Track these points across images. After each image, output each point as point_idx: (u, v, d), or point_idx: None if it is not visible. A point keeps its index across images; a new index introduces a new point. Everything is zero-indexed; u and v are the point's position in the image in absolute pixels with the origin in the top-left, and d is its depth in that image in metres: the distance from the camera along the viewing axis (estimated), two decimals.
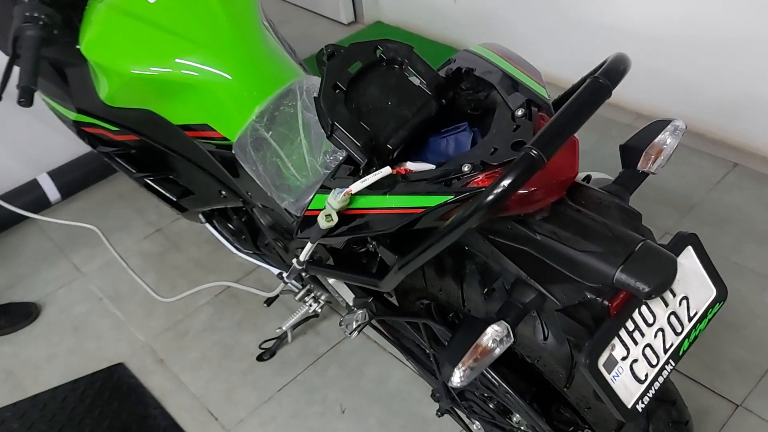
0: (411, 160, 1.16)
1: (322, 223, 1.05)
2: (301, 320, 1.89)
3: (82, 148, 2.63)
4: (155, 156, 1.75)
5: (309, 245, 1.13)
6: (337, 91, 1.12)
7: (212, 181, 1.66)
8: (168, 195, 1.82)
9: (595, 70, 0.94)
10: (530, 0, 2.74)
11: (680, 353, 1.04)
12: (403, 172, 1.07)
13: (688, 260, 1.03)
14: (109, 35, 1.50)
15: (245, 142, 1.45)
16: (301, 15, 3.66)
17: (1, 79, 1.48)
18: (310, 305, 1.80)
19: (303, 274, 1.72)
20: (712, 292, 1.06)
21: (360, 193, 1.05)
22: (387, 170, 1.03)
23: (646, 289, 0.90)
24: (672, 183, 2.35)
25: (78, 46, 1.57)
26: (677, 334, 1.04)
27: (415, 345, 1.57)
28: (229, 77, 1.46)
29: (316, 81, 1.49)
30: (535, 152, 0.82)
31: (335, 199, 1.04)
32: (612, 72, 0.89)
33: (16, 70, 1.43)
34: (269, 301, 1.95)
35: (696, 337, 1.06)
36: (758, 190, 2.28)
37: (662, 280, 0.92)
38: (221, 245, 1.97)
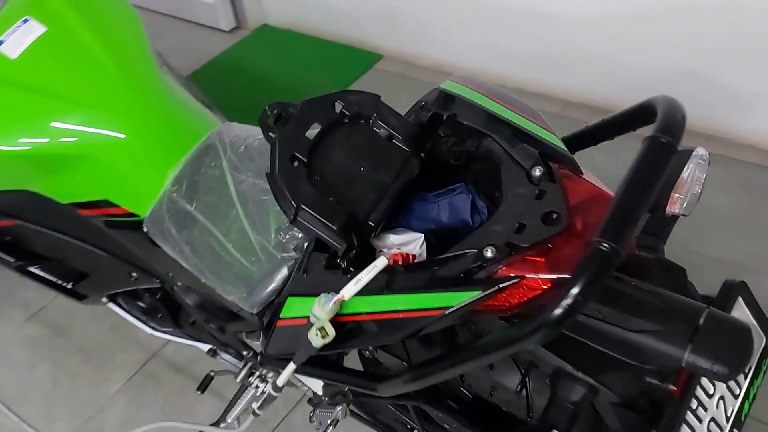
0: (390, 229, 0.99)
1: (316, 340, 0.86)
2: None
3: None
4: (39, 241, 1.48)
5: (291, 367, 0.93)
6: (296, 164, 0.93)
7: (118, 263, 1.41)
8: (60, 283, 1.54)
9: (630, 115, 0.80)
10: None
11: (742, 418, 0.95)
12: (401, 261, 0.89)
13: (738, 312, 0.93)
14: None
15: (160, 218, 1.22)
16: (176, 25, 3.34)
17: None
18: (257, 386, 1.58)
19: (244, 353, 1.52)
20: (763, 340, 0.97)
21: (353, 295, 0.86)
22: (383, 262, 0.85)
23: (726, 372, 0.78)
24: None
25: None
26: (735, 397, 0.94)
27: (395, 421, 1.41)
28: (123, 137, 1.23)
29: (238, 129, 1.28)
30: (607, 245, 0.67)
31: (323, 309, 0.84)
32: (671, 125, 0.75)
33: None
34: (203, 386, 1.72)
35: (755, 396, 0.96)
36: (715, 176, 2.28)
37: (741, 359, 0.80)
38: (124, 321, 1.71)
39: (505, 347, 0.73)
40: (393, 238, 0.97)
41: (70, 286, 1.53)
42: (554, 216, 0.80)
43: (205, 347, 1.66)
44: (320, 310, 0.84)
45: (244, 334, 1.39)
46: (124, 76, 1.27)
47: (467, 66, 2.63)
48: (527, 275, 0.79)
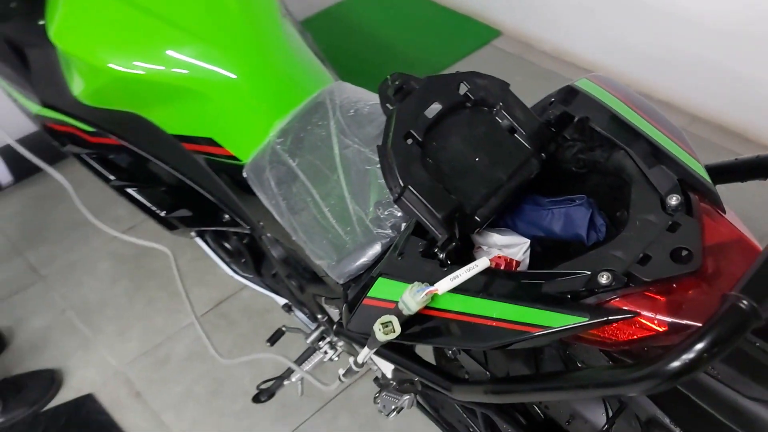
0: (496, 228, 0.93)
1: (380, 334, 0.81)
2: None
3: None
4: (140, 164, 1.49)
5: (366, 350, 0.89)
6: (410, 141, 0.87)
7: (213, 203, 1.41)
8: (154, 209, 1.56)
9: None
10: None
11: None
12: (503, 265, 0.83)
13: None
14: (83, 18, 1.23)
15: (262, 166, 1.20)
16: None
17: None
18: (325, 352, 1.56)
19: (318, 316, 1.50)
20: None
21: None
22: (485, 263, 0.79)
23: None
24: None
25: (42, 22, 1.30)
26: None
27: (458, 421, 1.36)
28: (235, 78, 1.21)
29: (350, 90, 1.24)
30: (746, 303, 0.59)
31: (413, 299, 0.80)
32: None
33: None
34: (273, 339, 1.72)
35: None
36: None
37: None
38: (205, 254, 1.73)
39: (605, 388, 0.67)
40: (496, 238, 0.91)
41: (163, 214, 1.54)
42: (685, 254, 0.72)
43: (281, 301, 1.66)
44: (411, 298, 0.79)
45: (323, 298, 1.36)
46: (245, 16, 1.24)
47: (589, 58, 2.49)
48: (643, 312, 0.72)
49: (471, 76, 0.91)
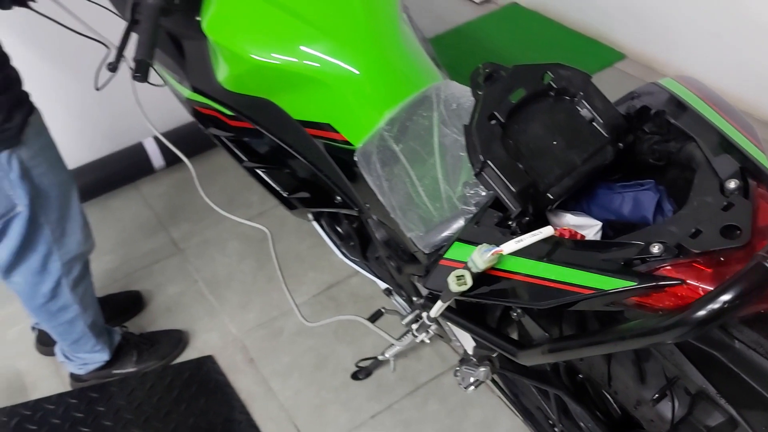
0: (570, 210, 1.00)
1: (453, 285, 0.91)
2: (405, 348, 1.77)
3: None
4: (269, 148, 1.67)
5: (440, 303, 0.99)
6: (493, 122, 0.97)
7: (328, 184, 1.55)
8: (278, 189, 1.73)
9: None
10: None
11: None
12: (567, 236, 0.90)
13: None
14: (232, 14, 1.41)
15: (370, 151, 1.33)
16: None
17: (118, 46, 1.42)
18: (416, 333, 1.66)
19: (414, 299, 1.60)
20: None
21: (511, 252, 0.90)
22: (549, 231, 0.87)
23: None
24: None
25: (198, 19, 1.50)
26: None
27: (536, 408, 1.42)
28: (358, 73, 1.34)
29: (456, 88, 1.34)
30: None
31: (481, 258, 0.89)
32: None
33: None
34: (373, 318, 1.85)
35: None
36: None
37: None
38: (323, 242, 1.88)
39: (641, 337, 0.73)
40: (569, 218, 0.99)
41: (285, 194, 1.71)
42: (735, 231, 0.77)
43: (383, 286, 1.78)
44: (479, 257, 0.89)
45: (416, 277, 1.47)
46: (370, 19, 1.37)
47: (713, 83, 2.44)
48: (688, 281, 0.77)
49: (555, 67, 0.99)
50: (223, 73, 1.49)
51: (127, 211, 2.55)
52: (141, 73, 1.35)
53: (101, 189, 2.60)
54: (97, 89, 1.72)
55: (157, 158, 2.61)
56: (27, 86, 1.57)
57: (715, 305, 0.65)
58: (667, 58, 2.63)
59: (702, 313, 0.66)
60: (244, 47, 1.39)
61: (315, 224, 1.87)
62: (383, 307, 1.74)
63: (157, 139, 2.60)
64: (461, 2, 3.33)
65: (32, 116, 1.54)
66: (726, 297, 0.65)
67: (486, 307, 1.23)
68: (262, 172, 1.73)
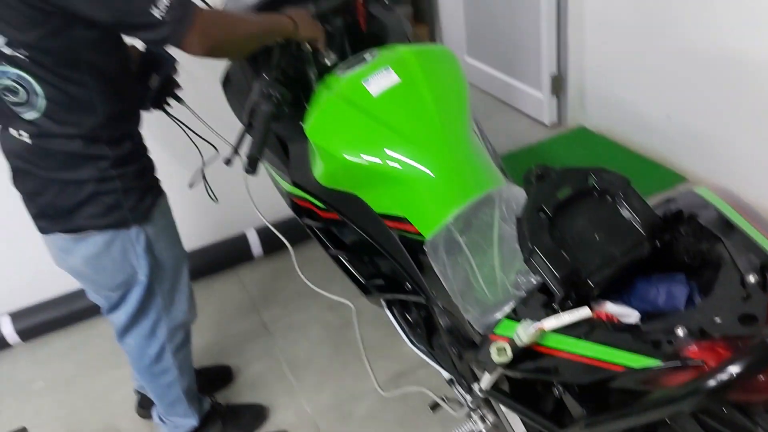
0: (612, 301, 1.04)
1: (495, 356, 0.96)
2: None
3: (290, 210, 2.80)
4: (352, 237, 1.78)
5: (487, 375, 1.04)
6: (542, 215, 1.04)
7: (400, 272, 1.64)
8: (357, 275, 1.83)
9: None
10: (762, 121, 2.45)
11: None
12: (604, 317, 0.95)
13: None
14: (331, 120, 1.56)
15: (438, 242, 1.41)
16: (503, 110, 3.63)
17: (234, 145, 1.59)
18: (473, 425, 1.67)
19: (473, 386, 1.62)
20: None
21: (553, 330, 0.94)
22: (586, 312, 0.92)
23: None
24: None
25: (302, 123, 1.67)
26: None
27: None
28: (432, 175, 1.45)
29: (517, 191, 1.43)
30: None
31: (525, 332, 0.94)
32: None
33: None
34: (434, 406, 1.86)
35: None
36: None
37: None
38: (395, 331, 1.93)
39: (664, 406, 0.76)
40: (609, 306, 1.03)
41: (363, 280, 1.80)
42: (753, 319, 0.80)
43: (447, 376, 1.80)
44: (522, 331, 0.94)
45: (475, 363, 1.50)
46: (445, 129, 1.49)
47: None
48: (709, 362, 0.80)
49: (598, 171, 1.07)
50: (318, 170, 1.64)
51: (226, 293, 2.71)
52: (252, 167, 1.50)
53: (206, 272, 2.78)
54: (190, 187, 1.93)
55: (256, 247, 2.79)
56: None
57: (724, 375, 0.69)
58: (730, 184, 2.62)
59: (712, 382, 0.69)
60: (338, 148, 1.53)
61: (387, 311, 1.94)
62: (444, 396, 1.76)
63: (258, 230, 2.80)
64: (533, 124, 3.46)
65: (160, 198, 1.70)
66: (733, 368, 0.68)
67: (537, 391, 1.25)
68: (344, 259, 1.84)
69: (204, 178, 2.00)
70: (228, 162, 1.60)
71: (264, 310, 2.59)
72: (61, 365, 2.51)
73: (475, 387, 1.16)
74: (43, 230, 1.62)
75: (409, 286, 1.65)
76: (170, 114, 1.89)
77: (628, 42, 2.86)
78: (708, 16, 2.48)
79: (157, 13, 1.31)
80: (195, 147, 1.96)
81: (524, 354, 0.97)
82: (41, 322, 2.61)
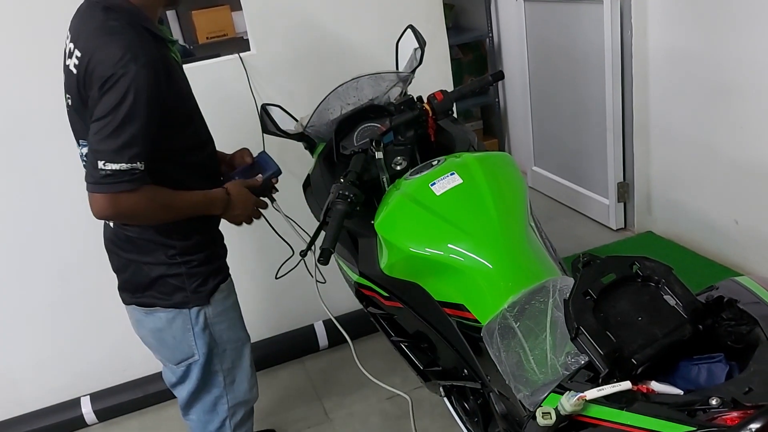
0: (657, 380, 1.10)
1: (540, 420, 1.03)
2: None
3: (354, 304, 2.91)
4: (412, 324, 1.87)
5: None
6: (588, 298, 1.13)
7: (457, 358, 1.71)
8: (416, 362, 1.90)
9: None
10: None
11: None
12: (645, 391, 1.01)
13: None
14: (398, 217, 1.70)
15: (494, 328, 1.49)
16: (568, 215, 3.69)
17: (310, 240, 1.74)
18: None
19: None
20: None
21: (595, 401, 1.01)
22: (627, 385, 0.99)
23: None
24: None
25: (372, 222, 1.82)
26: None
27: None
28: (490, 266, 1.55)
29: (570, 281, 1.51)
30: None
31: (568, 402, 1.01)
32: None
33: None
34: None
35: None
36: None
37: None
38: (453, 422, 1.97)
39: None
40: (654, 385, 1.08)
41: (422, 367, 1.88)
42: None
43: None
44: (566, 401, 1.01)
45: None
46: (502, 223, 1.60)
47: None
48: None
49: (642, 259, 1.16)
50: (384, 261, 1.76)
51: (291, 381, 2.80)
52: (324, 258, 1.62)
53: (274, 361, 2.89)
54: (276, 278, 2.09)
55: (323, 339, 2.90)
56: (233, 263, 1.92)
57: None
58: None
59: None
60: (403, 241, 1.65)
61: (446, 400, 1.99)
62: None
63: (325, 323, 2.91)
64: (600, 229, 3.51)
65: (224, 283, 1.81)
66: (754, 425, 0.74)
67: None
68: (405, 346, 1.93)
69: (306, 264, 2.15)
70: (304, 254, 1.74)
71: (326, 399, 2.66)
72: None
73: None
74: (124, 301, 1.80)
75: (466, 372, 1.72)
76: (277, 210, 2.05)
77: (692, 150, 2.95)
78: None
79: (110, 166, 1.46)
80: (284, 242, 2.12)
81: (568, 425, 1.03)
82: (117, 403, 2.74)
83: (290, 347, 2.92)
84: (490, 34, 3.95)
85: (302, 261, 2.13)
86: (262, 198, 1.93)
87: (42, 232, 2.51)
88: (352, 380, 2.72)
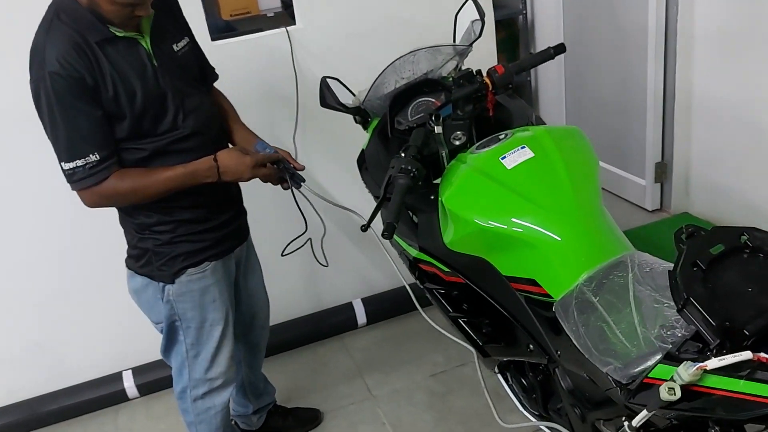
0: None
1: (663, 394, 1.00)
2: None
3: (394, 282, 2.89)
4: (474, 300, 1.84)
5: (645, 412, 1.07)
6: (695, 269, 1.10)
7: (523, 334, 1.68)
8: (476, 338, 1.88)
9: None
10: None
11: None
12: (765, 361, 0.98)
13: None
14: (469, 191, 1.66)
15: (569, 302, 1.46)
16: (605, 196, 3.63)
17: (371, 214, 1.71)
18: None
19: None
20: None
21: (712, 372, 0.98)
22: (748, 355, 0.96)
23: None
24: None
25: (431, 197, 1.78)
26: None
27: None
28: (565, 240, 1.51)
29: (647, 257, 1.48)
30: None
31: (687, 372, 0.99)
32: None
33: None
34: None
35: None
36: None
37: None
38: (498, 399, 1.93)
39: None
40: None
41: (481, 343, 1.85)
42: None
43: None
44: (684, 371, 0.98)
45: (602, 422, 1.51)
46: (577, 197, 1.56)
47: None
48: None
49: (751, 230, 1.12)
50: (449, 236, 1.73)
51: (331, 358, 2.78)
52: (388, 232, 1.57)
53: (313, 338, 2.87)
54: (282, 255, 2.07)
55: (361, 316, 2.88)
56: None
57: None
58: None
59: None
60: (474, 215, 1.60)
61: (500, 377, 1.97)
62: None
63: (364, 300, 2.89)
64: (634, 210, 3.47)
65: (196, 268, 1.82)
66: None
67: None
68: (463, 322, 1.90)
69: (312, 247, 2.15)
70: (365, 228, 1.69)
71: (368, 376, 2.65)
72: (176, 419, 2.60)
73: (626, 425, 1.18)
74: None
75: (531, 347, 1.69)
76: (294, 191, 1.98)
77: (735, 131, 2.90)
78: None
79: (65, 165, 1.60)
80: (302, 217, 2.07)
81: (681, 396, 1.00)
82: (159, 378, 2.73)
83: (329, 325, 2.90)
84: (524, 11, 3.88)
85: (308, 242, 2.14)
86: (297, 177, 1.91)
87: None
88: (393, 358, 2.71)
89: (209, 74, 1.97)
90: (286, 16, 3.72)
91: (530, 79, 4.09)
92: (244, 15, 4.27)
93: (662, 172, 3.30)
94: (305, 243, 2.12)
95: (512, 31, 4.07)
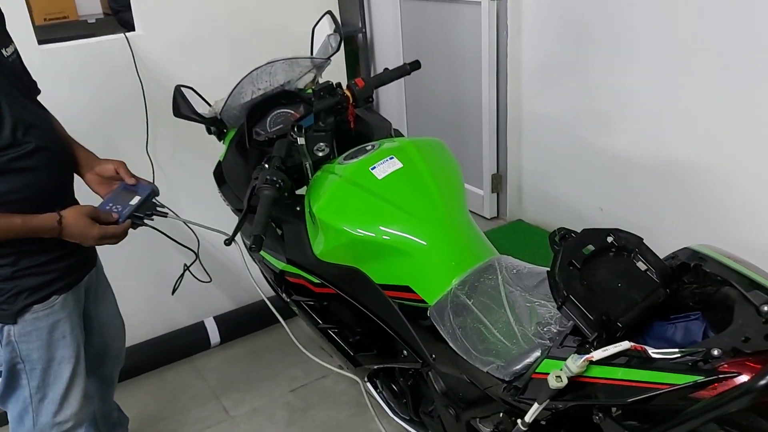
0: (631, 341, 1.16)
1: (552, 382, 1.05)
2: None
3: (246, 298, 2.78)
4: (344, 310, 1.82)
5: (536, 406, 1.12)
6: (572, 268, 1.17)
7: (397, 341, 1.69)
8: (346, 348, 1.86)
9: None
10: (684, 214, 2.70)
11: None
12: (640, 349, 1.06)
13: None
14: (340, 201, 1.64)
15: (444, 306, 1.49)
16: None
17: (235, 228, 1.62)
18: None
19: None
20: None
21: (597, 362, 1.05)
22: (627, 344, 1.04)
23: None
24: None
25: (297, 208, 1.74)
26: None
27: None
28: (436, 246, 1.55)
29: (511, 260, 1.56)
30: None
31: (574, 364, 1.04)
32: None
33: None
34: None
35: None
36: None
37: None
38: (362, 410, 1.93)
39: (716, 408, 0.87)
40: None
41: (352, 353, 1.83)
42: None
43: None
44: (572, 363, 1.04)
45: (477, 420, 1.56)
46: (443, 205, 1.60)
47: None
48: (743, 374, 0.93)
49: (616, 231, 1.22)
50: (319, 247, 1.69)
51: (181, 382, 2.60)
52: (256, 245, 1.49)
53: (160, 363, 2.67)
54: (173, 293, 2.05)
55: (214, 336, 2.72)
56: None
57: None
58: None
59: (763, 381, 0.82)
60: (346, 225, 1.59)
61: (368, 384, 1.96)
62: None
63: (216, 318, 2.74)
64: (475, 218, 3.54)
65: (42, 304, 1.58)
66: None
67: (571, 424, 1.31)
68: (334, 333, 1.87)
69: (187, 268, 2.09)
70: (229, 242, 1.59)
71: (224, 397, 2.51)
72: None
73: (519, 423, 1.22)
74: None
75: (405, 353, 1.70)
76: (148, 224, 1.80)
77: (560, 145, 3.17)
78: (634, 123, 2.79)
79: None
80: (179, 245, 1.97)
81: (568, 387, 1.06)
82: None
83: (178, 347, 2.71)
84: (364, 29, 3.97)
85: (187, 269, 2.05)
86: (142, 219, 1.70)
87: None
88: (250, 376, 2.59)
89: (32, 88, 1.70)
90: (114, 22, 3.47)
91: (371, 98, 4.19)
92: (61, 20, 3.91)
93: (498, 183, 3.53)
94: (184, 271, 2.04)
95: (352, 48, 4.14)
